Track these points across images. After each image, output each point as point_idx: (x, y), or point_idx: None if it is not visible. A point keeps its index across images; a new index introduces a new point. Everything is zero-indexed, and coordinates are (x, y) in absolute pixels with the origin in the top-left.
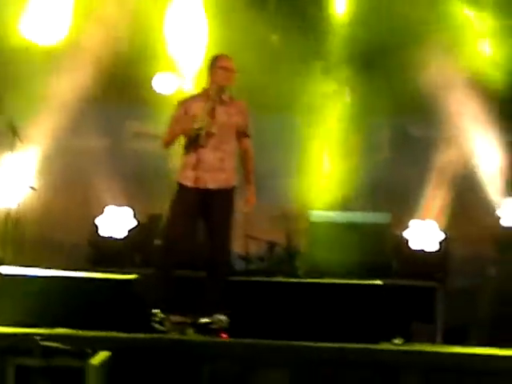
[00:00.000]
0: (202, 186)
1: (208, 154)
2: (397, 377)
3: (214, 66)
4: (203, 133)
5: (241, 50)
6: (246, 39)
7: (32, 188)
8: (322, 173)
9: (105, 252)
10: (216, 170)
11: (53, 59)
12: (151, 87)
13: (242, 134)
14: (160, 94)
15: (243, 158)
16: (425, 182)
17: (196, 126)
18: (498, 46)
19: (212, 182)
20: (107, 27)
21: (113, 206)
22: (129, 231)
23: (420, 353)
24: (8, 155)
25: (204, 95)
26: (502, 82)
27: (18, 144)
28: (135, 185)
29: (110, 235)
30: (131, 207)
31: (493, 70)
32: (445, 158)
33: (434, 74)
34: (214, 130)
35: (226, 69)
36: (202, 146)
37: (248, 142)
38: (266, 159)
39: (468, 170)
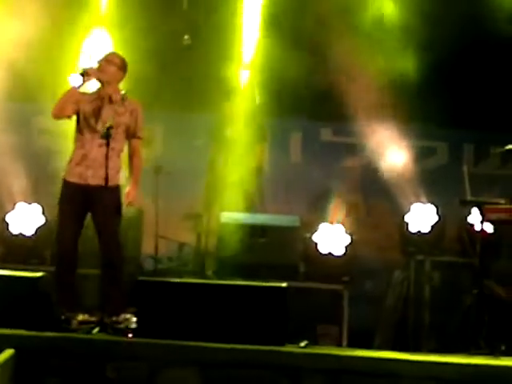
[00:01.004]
0: (84, 182)
1: (94, 150)
2: (302, 379)
3: (99, 63)
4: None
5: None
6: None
7: None
8: (233, 174)
9: (14, 249)
10: (99, 166)
11: None
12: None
13: (131, 135)
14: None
15: (131, 158)
16: (333, 186)
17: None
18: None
19: (95, 178)
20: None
21: (22, 203)
22: (37, 228)
23: (325, 355)
24: None
25: (95, 94)
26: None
27: None
28: (44, 182)
29: (19, 232)
30: (40, 204)
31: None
32: (354, 162)
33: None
34: (98, 127)
35: (107, 62)
36: (90, 143)
37: (137, 143)
38: (178, 159)
39: (377, 174)
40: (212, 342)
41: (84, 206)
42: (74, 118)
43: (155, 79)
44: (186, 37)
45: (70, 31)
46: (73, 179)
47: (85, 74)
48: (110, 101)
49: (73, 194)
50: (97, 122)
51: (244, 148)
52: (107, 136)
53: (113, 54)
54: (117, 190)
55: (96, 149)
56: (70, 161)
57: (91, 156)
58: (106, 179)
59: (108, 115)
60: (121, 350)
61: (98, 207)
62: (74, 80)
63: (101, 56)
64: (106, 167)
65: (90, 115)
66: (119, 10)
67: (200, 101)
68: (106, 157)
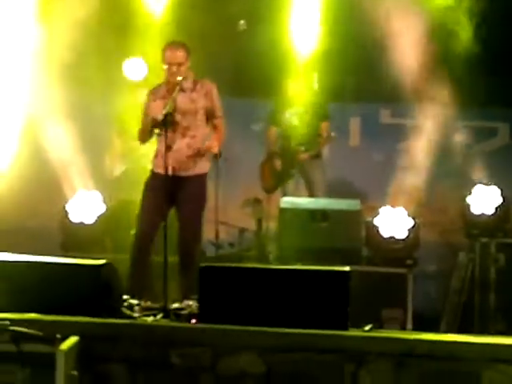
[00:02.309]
0: (171, 173)
1: (177, 142)
2: (366, 363)
3: (163, 61)
4: (170, 117)
5: None
6: None
7: (0, 174)
8: (293, 159)
9: (75, 237)
10: (183, 156)
11: None
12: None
13: (211, 116)
14: (130, 79)
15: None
16: (395, 169)
17: (160, 117)
18: None
19: (181, 169)
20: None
21: (82, 191)
22: (98, 216)
23: (390, 339)
24: None
25: (165, 85)
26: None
27: None
28: (104, 169)
29: (80, 220)
30: (100, 192)
31: None
32: (414, 144)
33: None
34: (177, 118)
35: (170, 64)
36: (172, 134)
37: (219, 122)
38: (237, 144)
39: (438, 155)
40: (275, 327)
41: (168, 196)
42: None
43: (212, 64)
44: (241, 22)
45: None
46: (159, 170)
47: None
48: (182, 89)
49: (159, 184)
50: (174, 111)
51: (304, 130)
52: (164, 123)
53: (177, 41)
54: (202, 178)
55: (179, 139)
56: (157, 153)
57: (175, 147)
58: (194, 169)
59: (184, 105)
60: (184, 336)
61: (183, 196)
62: (128, 66)
63: (164, 45)
64: (190, 156)
65: (164, 106)
66: None
67: (258, 86)
68: (189, 146)
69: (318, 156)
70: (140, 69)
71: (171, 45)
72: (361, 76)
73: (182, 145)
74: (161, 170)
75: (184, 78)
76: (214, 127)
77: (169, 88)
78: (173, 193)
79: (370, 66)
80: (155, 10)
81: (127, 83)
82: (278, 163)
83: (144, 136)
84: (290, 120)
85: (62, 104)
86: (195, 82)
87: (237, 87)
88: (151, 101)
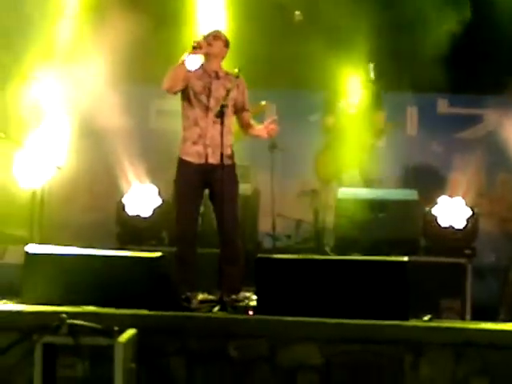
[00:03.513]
0: (204, 161)
1: (210, 129)
2: (425, 353)
3: (205, 39)
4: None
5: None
6: None
7: (58, 167)
8: (350, 149)
9: (132, 230)
10: (217, 144)
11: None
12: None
13: (241, 109)
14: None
15: (246, 129)
16: (453, 159)
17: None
18: None
19: (214, 156)
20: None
21: (138, 185)
22: (154, 209)
23: (449, 329)
24: (34, 135)
25: (202, 70)
26: None
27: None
28: (159, 162)
29: (136, 213)
30: (156, 185)
31: None
32: (473, 134)
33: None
34: (211, 104)
35: (208, 53)
36: (205, 121)
37: (248, 116)
38: (293, 135)
39: (498, 145)
40: (333, 318)
41: (202, 184)
42: (179, 95)
43: (268, 56)
44: (297, 12)
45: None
46: (191, 158)
47: (196, 47)
48: (217, 77)
49: (191, 173)
50: (208, 98)
51: (360, 120)
52: (221, 114)
53: (219, 31)
54: (234, 167)
55: (211, 126)
56: (185, 140)
57: (208, 134)
58: (226, 157)
59: (218, 91)
60: (241, 328)
61: (218, 186)
62: (188, 58)
63: (206, 32)
64: (222, 145)
65: (200, 91)
66: None
67: (313, 76)
68: (221, 134)
69: (373, 146)
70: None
71: (213, 34)
72: (416, 65)
73: (214, 132)
74: (191, 158)
75: (219, 68)
76: (247, 124)
77: (204, 73)
78: (205, 181)
79: (426, 56)
80: None
81: None
82: (334, 153)
83: (175, 85)
84: (346, 109)
85: (120, 99)
86: (229, 74)
87: (293, 78)
88: (189, 71)
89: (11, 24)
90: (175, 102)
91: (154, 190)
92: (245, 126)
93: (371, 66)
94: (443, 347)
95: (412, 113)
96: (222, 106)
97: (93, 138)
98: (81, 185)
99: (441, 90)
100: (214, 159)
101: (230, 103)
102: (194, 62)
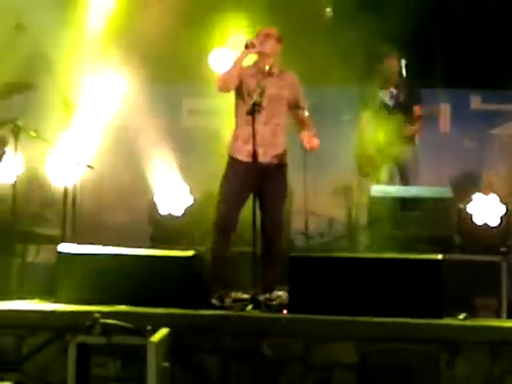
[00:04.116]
0: (255, 160)
1: (261, 128)
2: (462, 352)
3: (257, 37)
4: (258, 107)
5: None
6: None
7: (89, 167)
8: (388, 143)
9: (164, 230)
10: (268, 144)
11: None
12: (207, 64)
13: (295, 107)
14: (216, 70)
15: (301, 127)
16: (487, 155)
17: (250, 100)
18: None
19: (265, 156)
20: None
21: (170, 184)
22: (186, 209)
23: (485, 327)
24: (64, 134)
25: (255, 67)
26: None
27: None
28: (191, 162)
29: (168, 213)
30: (187, 184)
31: None
32: (506, 130)
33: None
34: (264, 103)
35: (260, 52)
36: (254, 120)
37: (303, 114)
38: (325, 133)
39: None
40: (367, 316)
41: (252, 184)
42: (233, 93)
43: (302, 54)
44: (328, 9)
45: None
46: (242, 157)
47: (249, 46)
48: (270, 74)
49: (242, 171)
50: (261, 97)
51: (398, 113)
52: (253, 112)
53: (270, 28)
54: (285, 168)
55: (263, 125)
56: (237, 138)
57: (260, 133)
58: (278, 157)
59: (271, 90)
60: (275, 326)
61: (268, 186)
62: (215, 58)
63: (257, 30)
64: (275, 145)
65: (253, 90)
66: None
67: (344, 74)
68: (272, 133)
69: (411, 140)
70: (227, 60)
71: (264, 32)
72: (449, 61)
73: (265, 131)
74: (242, 157)
75: (272, 66)
76: (301, 121)
77: (258, 71)
78: (255, 180)
79: (459, 51)
80: None
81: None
82: (372, 148)
83: (229, 84)
84: (384, 101)
85: (151, 98)
86: (282, 71)
87: (325, 76)
88: (242, 69)
89: None
90: (207, 101)
91: (185, 188)
92: (298, 124)
93: (403, 62)
94: (479, 346)
95: (445, 110)
96: (254, 104)
97: (124, 137)
98: (112, 184)
99: (474, 86)
100: (264, 158)
101: (283, 101)
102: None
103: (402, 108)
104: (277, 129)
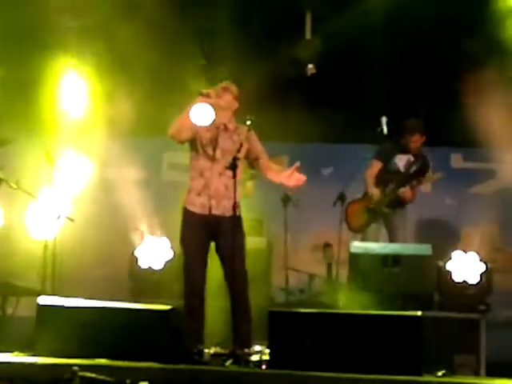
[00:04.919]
0: (207, 212)
1: (214, 180)
2: None
3: (215, 90)
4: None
5: None
6: None
7: (69, 219)
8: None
9: (144, 283)
10: (221, 196)
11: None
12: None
13: (255, 158)
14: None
15: (269, 175)
16: (467, 213)
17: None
18: None
19: (218, 208)
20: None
21: (150, 237)
22: (166, 262)
23: None
24: (45, 186)
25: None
26: None
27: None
28: (172, 215)
29: (148, 266)
30: (168, 238)
31: None
32: (487, 189)
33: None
34: (217, 156)
35: (224, 89)
36: (210, 173)
37: (266, 161)
38: (305, 188)
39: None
40: (347, 372)
41: (208, 236)
42: (187, 145)
43: (278, 110)
44: (310, 66)
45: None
46: (195, 209)
47: (204, 95)
48: (226, 129)
49: (196, 223)
50: (214, 150)
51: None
52: (233, 167)
53: (229, 83)
54: (240, 220)
55: (216, 178)
56: (190, 190)
57: (213, 186)
58: (231, 209)
59: (226, 144)
60: (255, 381)
61: (224, 238)
62: (195, 112)
63: (216, 84)
64: (233, 197)
65: (207, 143)
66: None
67: (326, 132)
68: (233, 187)
69: (404, 203)
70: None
71: (222, 86)
72: (429, 120)
73: (219, 184)
74: (195, 209)
75: (228, 121)
76: (268, 167)
77: (213, 125)
78: (210, 232)
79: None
80: None
81: None
82: (373, 199)
83: (181, 132)
84: (396, 165)
85: (132, 152)
86: (237, 127)
87: (305, 133)
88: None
89: None
90: (186, 155)
91: (166, 242)
92: (266, 172)
93: (384, 119)
94: None
95: None
96: (235, 159)
97: (105, 189)
98: (92, 237)
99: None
100: (217, 211)
101: (242, 156)
102: (204, 113)
103: (408, 176)
104: (230, 182)
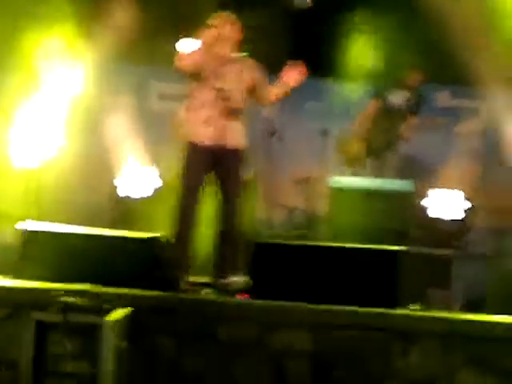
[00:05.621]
0: (211, 143)
1: (217, 111)
2: (413, 342)
3: (217, 21)
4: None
5: None
6: None
7: (56, 146)
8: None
9: (126, 212)
10: (224, 127)
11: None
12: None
13: (257, 89)
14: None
15: (274, 98)
16: (447, 152)
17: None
18: None
19: (220, 139)
20: None
21: (138, 166)
22: (155, 190)
23: (437, 319)
24: (30, 114)
25: (214, 52)
26: None
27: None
28: (160, 144)
29: (133, 195)
30: (157, 167)
31: None
32: (470, 127)
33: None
34: (221, 86)
35: (225, 21)
36: (212, 103)
37: (271, 88)
38: (289, 122)
39: (496, 140)
40: (325, 304)
41: (210, 167)
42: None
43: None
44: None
45: None
46: (198, 140)
47: (211, 26)
48: (230, 60)
49: (199, 154)
50: (219, 81)
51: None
52: (228, 98)
53: (229, 14)
54: (241, 152)
55: (219, 109)
56: (195, 121)
57: (215, 117)
58: (236, 141)
59: (230, 74)
60: (232, 311)
61: (224, 169)
62: (182, 43)
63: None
64: (231, 128)
65: (210, 74)
66: None
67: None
68: (230, 118)
69: (398, 142)
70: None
71: (224, 17)
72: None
73: (223, 115)
74: (199, 140)
75: (231, 51)
76: (269, 91)
77: (216, 56)
78: (212, 163)
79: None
80: None
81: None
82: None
83: (190, 63)
84: (392, 101)
85: (118, 77)
86: (239, 57)
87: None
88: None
89: None
90: (175, 86)
91: (154, 171)
92: (272, 97)
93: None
94: (431, 336)
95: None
96: (229, 90)
97: (91, 116)
98: (77, 164)
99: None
100: (221, 142)
101: (242, 86)
102: (190, 46)
103: (404, 112)
104: (235, 114)
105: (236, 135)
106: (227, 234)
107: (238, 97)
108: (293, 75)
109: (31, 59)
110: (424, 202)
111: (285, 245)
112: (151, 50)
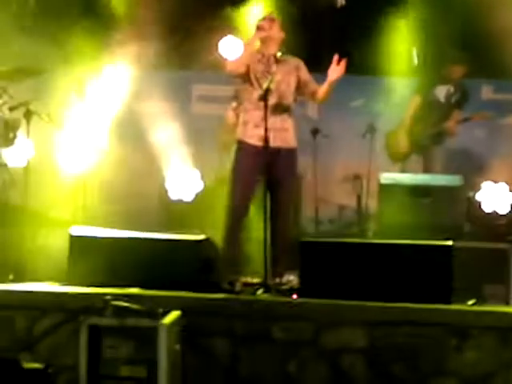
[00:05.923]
0: (265, 144)
1: (270, 113)
2: (470, 337)
3: (261, 22)
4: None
5: None
6: None
7: (102, 152)
8: (393, 134)
9: (174, 215)
10: (278, 129)
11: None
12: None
13: (304, 89)
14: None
15: (322, 95)
16: (497, 144)
17: (259, 86)
18: None
19: (275, 140)
20: None
21: (181, 170)
22: (196, 194)
23: (493, 313)
24: (77, 119)
25: (260, 53)
26: None
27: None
28: (202, 147)
29: (179, 198)
30: (198, 170)
31: None
32: None
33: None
34: (271, 87)
35: (270, 21)
36: (265, 104)
37: (317, 87)
38: (335, 120)
39: None
40: (377, 301)
41: (262, 168)
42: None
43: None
44: None
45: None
46: (252, 141)
47: (260, 28)
48: (276, 60)
49: (252, 155)
50: (266, 81)
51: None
52: (265, 97)
53: (274, 15)
54: (295, 152)
55: (269, 110)
56: (247, 122)
57: (270, 118)
58: (288, 141)
59: (277, 74)
60: (286, 310)
61: (277, 169)
62: (224, 45)
63: (260, 16)
64: (282, 128)
65: (261, 75)
66: None
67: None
68: (280, 118)
69: (444, 137)
70: (235, 47)
71: (269, 17)
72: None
73: (275, 116)
74: (252, 141)
75: (278, 51)
76: (316, 90)
77: (264, 57)
78: (265, 164)
79: (473, 40)
80: None
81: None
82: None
83: (239, 67)
84: (436, 96)
85: (161, 84)
86: (286, 57)
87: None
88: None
89: None
90: (216, 88)
91: (196, 174)
92: (320, 95)
93: (415, 51)
94: (488, 331)
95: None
96: (267, 90)
97: (137, 122)
98: (123, 170)
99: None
100: (275, 143)
101: (290, 86)
102: (232, 46)
103: (449, 106)
104: (285, 113)
105: (287, 135)
106: (280, 233)
107: (287, 96)
108: (335, 70)
109: (79, 65)
110: (476, 196)
111: (332, 243)
112: (190, 53)
